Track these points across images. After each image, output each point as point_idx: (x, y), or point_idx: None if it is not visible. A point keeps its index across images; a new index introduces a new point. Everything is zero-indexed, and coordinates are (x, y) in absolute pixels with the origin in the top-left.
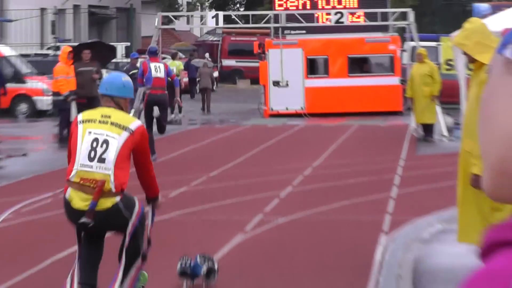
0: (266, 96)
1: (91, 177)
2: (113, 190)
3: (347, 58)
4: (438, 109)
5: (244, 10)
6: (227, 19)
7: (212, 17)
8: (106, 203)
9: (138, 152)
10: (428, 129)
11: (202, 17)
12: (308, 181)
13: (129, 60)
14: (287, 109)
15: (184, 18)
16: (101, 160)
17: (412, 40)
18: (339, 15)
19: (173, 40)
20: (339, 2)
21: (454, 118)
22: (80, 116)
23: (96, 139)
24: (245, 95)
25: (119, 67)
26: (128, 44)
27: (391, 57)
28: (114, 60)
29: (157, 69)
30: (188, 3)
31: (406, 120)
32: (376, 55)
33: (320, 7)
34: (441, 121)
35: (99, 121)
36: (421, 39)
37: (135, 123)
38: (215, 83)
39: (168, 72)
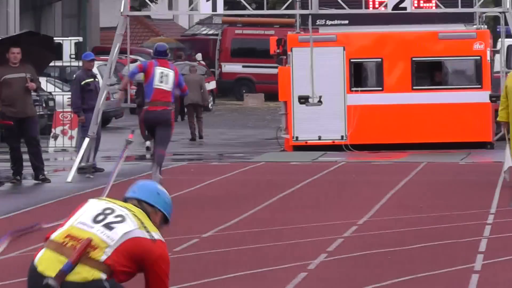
0: (289, 119)
1: (81, 235)
2: (102, 260)
3: (411, 62)
4: None
5: None
6: (230, 4)
7: (207, 0)
8: (84, 273)
9: (152, 272)
10: None
11: (191, 0)
12: (350, 246)
13: (80, 63)
14: (320, 138)
15: (164, 1)
16: (108, 227)
17: (509, 36)
18: None
19: (148, 34)
20: None
21: None
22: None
23: (111, 209)
24: (256, 117)
25: (66, 73)
26: (80, 39)
27: (477, 62)
28: (58, 63)
29: (163, 78)
30: None
31: (498, 156)
32: (455, 58)
33: None
34: None
35: (120, 206)
36: None
37: (160, 236)
38: (209, 98)
39: (178, 82)
